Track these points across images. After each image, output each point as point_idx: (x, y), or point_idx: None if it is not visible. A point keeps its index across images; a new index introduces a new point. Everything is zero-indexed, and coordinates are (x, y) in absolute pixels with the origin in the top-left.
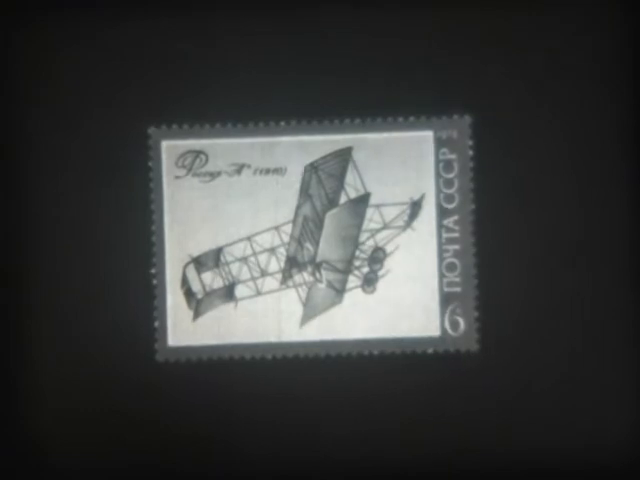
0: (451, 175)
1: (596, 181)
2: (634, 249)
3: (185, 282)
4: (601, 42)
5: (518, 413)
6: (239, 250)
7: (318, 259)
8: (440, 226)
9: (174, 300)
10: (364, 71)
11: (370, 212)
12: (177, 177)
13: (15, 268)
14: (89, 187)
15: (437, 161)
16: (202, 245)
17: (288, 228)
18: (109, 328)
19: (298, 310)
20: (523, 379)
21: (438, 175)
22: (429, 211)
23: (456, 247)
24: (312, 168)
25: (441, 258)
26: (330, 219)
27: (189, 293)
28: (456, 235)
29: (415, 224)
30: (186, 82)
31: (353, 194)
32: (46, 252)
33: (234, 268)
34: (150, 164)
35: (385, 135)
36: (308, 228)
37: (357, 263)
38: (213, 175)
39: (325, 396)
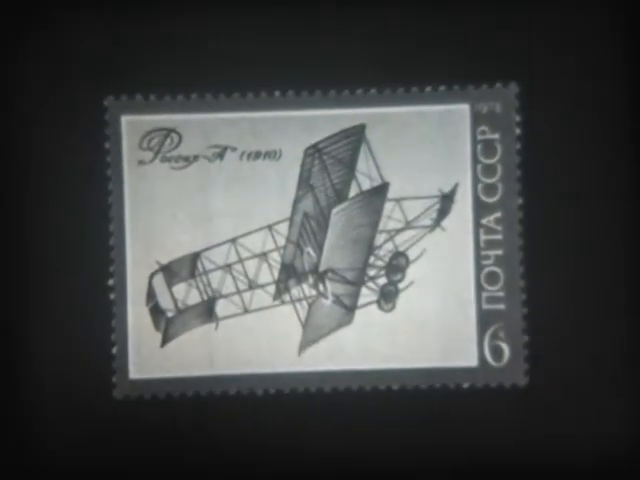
0: (492, 160)
1: None
2: None
3: (152, 297)
4: None
5: (573, 459)
6: (221, 256)
7: (322, 267)
8: (478, 226)
9: (137, 320)
10: (381, 29)
11: (389, 208)
12: (141, 162)
13: None
14: (32, 174)
15: (474, 142)
16: (173, 249)
17: (284, 228)
18: (56, 355)
19: (296, 332)
20: (580, 419)
21: (476, 160)
22: (464, 206)
23: (498, 253)
24: (315, 151)
25: (479, 267)
26: (337, 216)
27: (157, 311)
28: (498, 237)
29: (446, 223)
30: (154, 41)
31: (367, 185)
32: None
33: (214, 279)
34: (107, 145)
35: (408, 109)
36: (309, 228)
37: (372, 272)
38: (188, 160)
39: (330, 440)
